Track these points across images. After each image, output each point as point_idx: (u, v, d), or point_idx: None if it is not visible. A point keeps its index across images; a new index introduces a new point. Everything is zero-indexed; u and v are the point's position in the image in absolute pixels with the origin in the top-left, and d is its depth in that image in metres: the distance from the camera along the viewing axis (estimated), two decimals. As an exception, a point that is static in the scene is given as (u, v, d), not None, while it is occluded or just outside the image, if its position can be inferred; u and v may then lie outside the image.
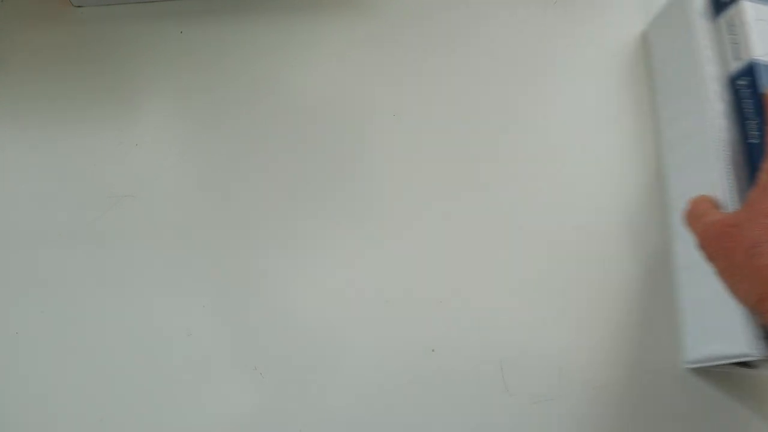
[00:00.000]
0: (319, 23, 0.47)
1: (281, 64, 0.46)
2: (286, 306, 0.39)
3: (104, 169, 0.42)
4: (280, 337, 0.38)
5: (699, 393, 0.36)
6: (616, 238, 0.40)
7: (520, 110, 0.44)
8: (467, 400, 0.35)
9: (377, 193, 0.42)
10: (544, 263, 0.39)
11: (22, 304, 0.38)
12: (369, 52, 0.46)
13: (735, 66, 0.36)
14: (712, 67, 0.37)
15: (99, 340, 0.38)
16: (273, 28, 0.47)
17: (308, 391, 0.36)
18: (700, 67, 0.37)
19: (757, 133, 0.34)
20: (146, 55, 0.46)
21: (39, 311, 0.38)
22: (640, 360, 0.37)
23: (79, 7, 0.47)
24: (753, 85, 0.35)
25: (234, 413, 0.36)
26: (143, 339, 0.38)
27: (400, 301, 0.39)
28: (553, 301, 0.38)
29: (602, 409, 0.36)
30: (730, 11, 0.37)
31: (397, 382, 0.37)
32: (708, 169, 0.35)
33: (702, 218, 0.32)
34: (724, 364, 0.34)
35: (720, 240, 0.30)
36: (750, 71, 0.35)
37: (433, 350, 0.37)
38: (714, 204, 0.33)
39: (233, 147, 0.43)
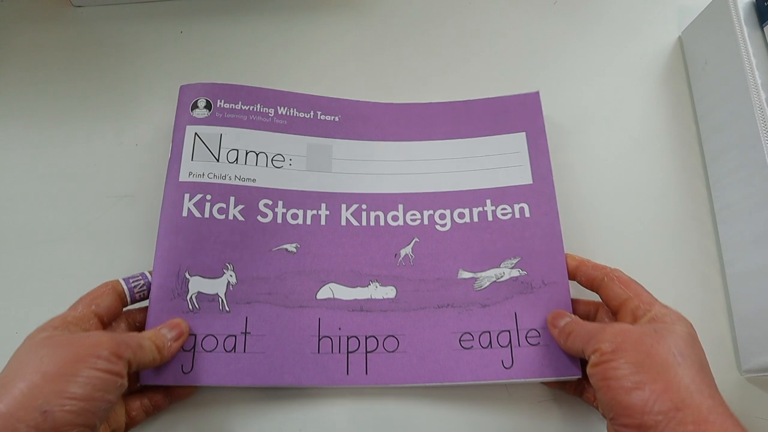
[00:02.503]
0: (320, 24, 0.47)
1: (281, 63, 0.46)
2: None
3: (104, 169, 0.42)
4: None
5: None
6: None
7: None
8: (468, 400, 0.35)
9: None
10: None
11: (22, 304, 0.38)
12: (372, 52, 0.46)
13: None
14: (758, 75, 0.36)
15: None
16: (273, 28, 0.47)
17: (306, 390, 0.36)
18: (745, 75, 0.36)
19: None
20: (146, 55, 0.46)
21: (39, 311, 0.38)
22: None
23: (79, 7, 0.47)
24: None
25: (233, 413, 0.36)
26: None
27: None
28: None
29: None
30: None
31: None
32: (754, 180, 0.35)
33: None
34: None
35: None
36: None
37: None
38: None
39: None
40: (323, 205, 0.38)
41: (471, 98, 0.42)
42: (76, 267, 0.39)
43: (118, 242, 0.40)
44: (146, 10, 0.47)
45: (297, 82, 0.44)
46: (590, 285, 0.34)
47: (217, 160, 0.38)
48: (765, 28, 0.38)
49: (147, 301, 0.35)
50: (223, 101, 0.40)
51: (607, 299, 0.33)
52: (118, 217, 0.40)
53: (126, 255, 0.39)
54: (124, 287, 0.33)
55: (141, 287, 0.34)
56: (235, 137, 0.39)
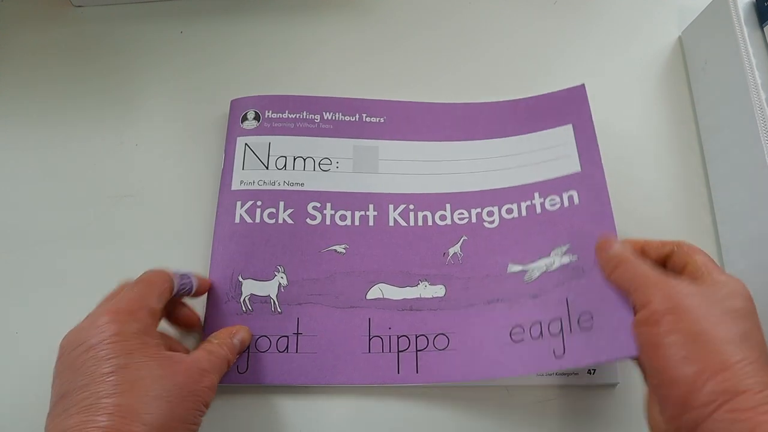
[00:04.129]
0: (320, 23, 0.47)
1: (281, 63, 0.46)
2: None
3: (104, 169, 0.42)
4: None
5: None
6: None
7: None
8: (467, 400, 0.35)
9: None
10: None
11: (22, 304, 0.38)
12: (372, 52, 0.46)
13: None
14: (758, 75, 0.36)
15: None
16: (273, 28, 0.47)
17: (305, 390, 0.36)
18: (745, 75, 0.36)
19: None
20: (146, 55, 0.46)
21: (39, 311, 0.38)
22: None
23: (79, 7, 0.47)
24: None
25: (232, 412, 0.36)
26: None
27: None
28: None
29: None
30: None
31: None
32: (754, 180, 0.35)
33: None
34: None
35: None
36: None
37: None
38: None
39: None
40: (371, 206, 0.39)
41: (509, 98, 0.42)
42: (76, 267, 0.39)
43: (119, 242, 0.40)
44: (146, 10, 0.48)
45: (297, 81, 0.44)
46: (663, 262, 0.31)
47: (267, 168, 0.40)
48: (765, 28, 0.38)
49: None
50: (271, 111, 0.41)
51: (672, 267, 0.30)
52: (119, 217, 0.40)
53: (126, 255, 0.39)
54: (175, 286, 0.32)
55: (186, 290, 0.34)
56: (283, 144, 0.40)
